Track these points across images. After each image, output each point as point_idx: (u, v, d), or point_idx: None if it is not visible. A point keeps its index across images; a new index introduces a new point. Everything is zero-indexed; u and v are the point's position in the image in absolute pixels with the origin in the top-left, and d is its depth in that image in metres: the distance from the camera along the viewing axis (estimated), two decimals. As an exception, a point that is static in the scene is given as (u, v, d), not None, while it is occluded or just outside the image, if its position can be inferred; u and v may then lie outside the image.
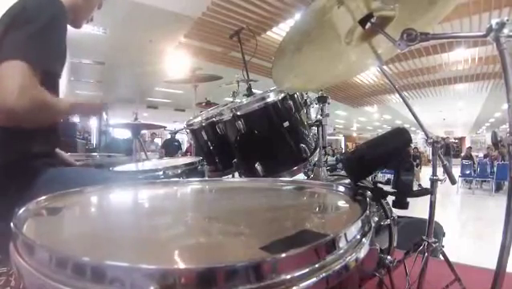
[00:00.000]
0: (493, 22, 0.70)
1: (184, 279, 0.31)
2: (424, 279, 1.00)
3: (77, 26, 1.11)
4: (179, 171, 1.51)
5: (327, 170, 1.45)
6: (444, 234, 1.82)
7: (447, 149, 10.74)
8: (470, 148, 12.40)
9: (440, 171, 1.03)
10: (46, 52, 0.87)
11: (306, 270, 0.35)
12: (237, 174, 1.71)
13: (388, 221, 1.09)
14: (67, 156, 1.24)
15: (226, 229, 0.55)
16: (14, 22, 0.86)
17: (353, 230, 0.43)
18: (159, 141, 9.19)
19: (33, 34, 0.85)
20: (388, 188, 0.89)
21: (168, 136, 8.13)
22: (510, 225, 0.72)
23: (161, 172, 1.46)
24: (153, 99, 12.06)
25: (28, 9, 0.88)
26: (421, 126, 1.11)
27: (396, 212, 1.07)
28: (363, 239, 0.44)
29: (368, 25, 0.94)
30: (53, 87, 0.95)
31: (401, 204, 0.85)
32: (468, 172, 8.49)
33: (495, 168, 7.69)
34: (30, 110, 0.80)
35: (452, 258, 1.06)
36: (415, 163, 3.89)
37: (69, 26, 1.03)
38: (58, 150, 1.18)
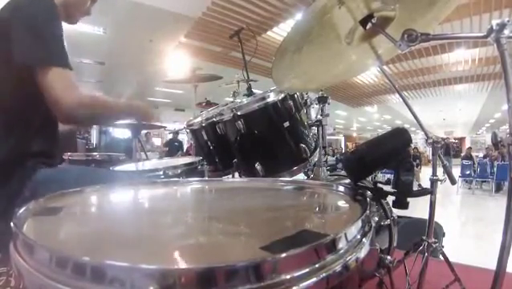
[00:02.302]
0: (494, 23, 0.70)
1: (184, 279, 0.31)
2: (424, 279, 1.00)
3: (72, 22, 1.09)
4: (179, 171, 1.51)
5: (327, 170, 1.45)
6: (444, 234, 1.82)
7: (447, 149, 10.72)
8: (470, 148, 12.39)
9: (440, 171, 1.03)
10: (66, 54, 0.91)
11: (306, 270, 0.35)
12: (237, 174, 1.71)
13: (388, 221, 1.09)
14: None
15: (226, 229, 0.55)
16: (16, 22, 0.86)
17: (353, 230, 0.43)
18: (155, 141, 9.23)
19: (50, 37, 0.88)
20: (388, 188, 0.88)
21: (169, 136, 8.15)
22: (510, 225, 0.72)
23: (161, 172, 1.46)
24: (153, 99, 12.05)
25: (27, 9, 0.88)
26: (421, 126, 1.11)
27: (396, 212, 1.07)
28: (364, 239, 0.44)
29: (369, 25, 0.94)
30: None
31: (401, 204, 0.84)
32: (468, 172, 8.49)
33: (495, 169, 7.69)
34: (84, 108, 0.89)
35: (452, 258, 1.06)
36: (415, 163, 3.88)
37: (66, 24, 1.03)
38: None
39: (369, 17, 0.93)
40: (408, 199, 0.84)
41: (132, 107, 1.11)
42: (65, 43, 0.93)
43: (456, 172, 7.68)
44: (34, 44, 0.86)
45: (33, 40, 0.86)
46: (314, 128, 1.49)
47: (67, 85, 0.86)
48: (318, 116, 1.45)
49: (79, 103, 0.87)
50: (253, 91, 2.40)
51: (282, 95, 1.39)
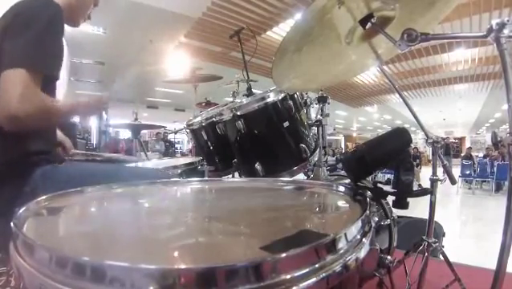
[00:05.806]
0: (494, 22, 0.70)
1: (184, 279, 0.31)
2: (424, 279, 1.00)
3: (75, 25, 1.12)
4: (179, 171, 1.51)
5: (327, 170, 1.45)
6: (444, 234, 1.82)
7: (447, 149, 10.72)
8: (470, 148, 12.39)
9: (440, 171, 1.03)
10: (44, 57, 0.88)
11: (306, 270, 0.35)
12: (237, 174, 1.71)
13: (388, 221, 1.09)
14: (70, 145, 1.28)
15: (226, 230, 0.55)
16: (9, 28, 0.87)
17: (353, 230, 0.43)
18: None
19: (31, 40, 0.86)
20: (388, 188, 0.88)
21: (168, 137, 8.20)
22: (510, 225, 0.72)
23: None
24: (153, 99, 12.06)
25: (23, 13, 0.88)
26: (421, 126, 1.11)
27: (396, 212, 1.07)
28: (364, 239, 0.44)
29: (369, 25, 0.94)
30: (52, 90, 0.95)
31: (401, 204, 0.84)
32: (468, 172, 8.48)
33: (495, 169, 7.69)
34: (32, 116, 0.83)
35: (452, 258, 1.06)
36: (415, 163, 3.88)
37: (68, 26, 1.04)
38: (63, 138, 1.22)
39: (369, 16, 0.93)
40: (408, 199, 0.84)
41: (74, 110, 1.05)
42: (61, 50, 0.92)
43: (456, 172, 7.68)
44: (17, 45, 0.85)
45: (17, 42, 0.85)
46: (314, 128, 1.49)
47: (23, 92, 0.80)
48: (319, 116, 1.45)
49: (28, 115, 0.81)
50: (253, 91, 2.40)
51: (282, 95, 1.39)
